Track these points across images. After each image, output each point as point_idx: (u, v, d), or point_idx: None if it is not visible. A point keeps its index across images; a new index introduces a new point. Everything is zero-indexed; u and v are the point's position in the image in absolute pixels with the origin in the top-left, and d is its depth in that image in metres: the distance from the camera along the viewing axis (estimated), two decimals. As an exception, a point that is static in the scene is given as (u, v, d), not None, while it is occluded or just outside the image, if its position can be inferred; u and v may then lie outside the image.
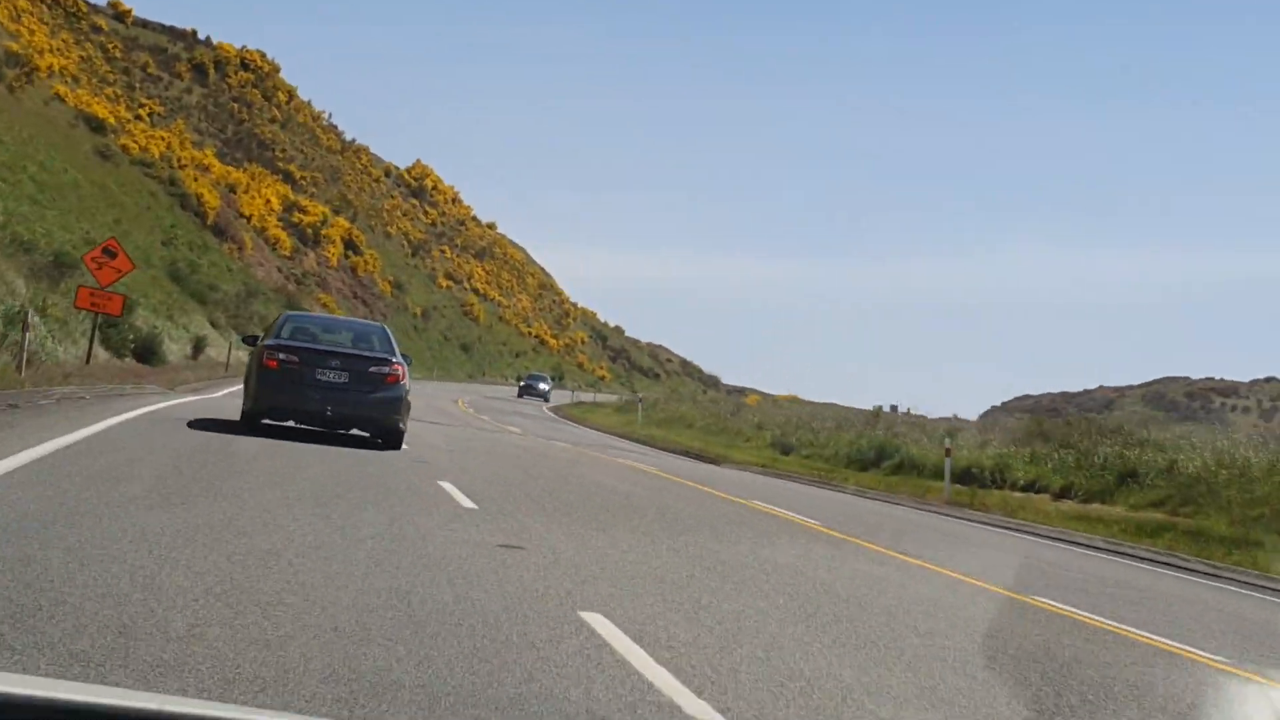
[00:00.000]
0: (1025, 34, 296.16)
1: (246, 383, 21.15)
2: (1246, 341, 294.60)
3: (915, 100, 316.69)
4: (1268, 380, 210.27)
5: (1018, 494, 27.32)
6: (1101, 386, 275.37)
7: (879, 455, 34.85)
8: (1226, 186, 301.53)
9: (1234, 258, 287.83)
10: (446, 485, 15.07)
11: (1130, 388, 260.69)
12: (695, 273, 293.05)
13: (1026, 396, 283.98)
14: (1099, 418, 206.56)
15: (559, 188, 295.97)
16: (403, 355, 21.17)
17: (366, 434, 20.80)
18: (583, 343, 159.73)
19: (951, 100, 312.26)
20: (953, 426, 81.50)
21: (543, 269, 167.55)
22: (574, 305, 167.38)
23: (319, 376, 19.89)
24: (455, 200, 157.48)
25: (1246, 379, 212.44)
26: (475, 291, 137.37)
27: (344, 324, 24.27)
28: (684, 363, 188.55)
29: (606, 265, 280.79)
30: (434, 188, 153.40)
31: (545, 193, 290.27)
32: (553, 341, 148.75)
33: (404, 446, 19.99)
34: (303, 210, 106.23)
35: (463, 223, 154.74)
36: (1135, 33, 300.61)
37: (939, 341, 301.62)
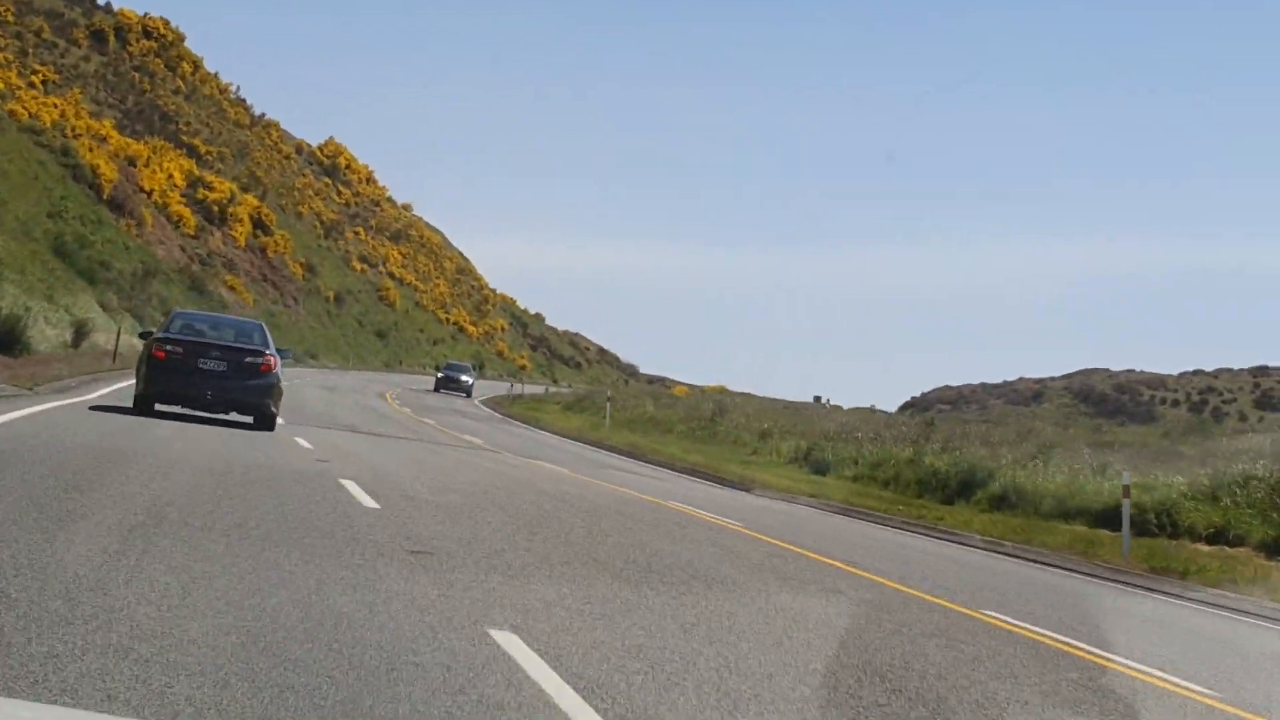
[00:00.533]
0: (968, 19, 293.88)
1: (138, 371, 23.96)
2: (1166, 334, 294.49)
3: (847, 88, 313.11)
4: (1195, 373, 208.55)
5: (1205, 547, 20.33)
6: (1023, 378, 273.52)
7: (966, 483, 27.35)
8: (1147, 179, 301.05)
9: (1154, 250, 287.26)
10: (505, 640, 7.58)
11: (1052, 379, 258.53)
12: (604, 260, 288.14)
13: (947, 387, 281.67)
14: (1027, 411, 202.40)
15: (476, 171, 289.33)
16: (278, 349, 24.66)
17: (246, 418, 23.84)
18: (502, 330, 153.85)
19: (887, 88, 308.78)
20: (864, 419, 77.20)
21: (460, 253, 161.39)
22: (493, 291, 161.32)
23: (201, 365, 22.89)
24: (369, 180, 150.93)
25: (1174, 372, 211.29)
26: (391, 276, 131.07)
27: (227, 321, 28.01)
28: (601, 351, 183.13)
29: (520, 251, 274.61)
30: (347, 166, 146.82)
31: (462, 176, 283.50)
32: (472, 329, 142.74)
33: (350, 486, 15.85)
34: (208, 186, 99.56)
35: (377, 203, 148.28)
36: (1081, 19, 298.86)
37: (859, 331, 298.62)
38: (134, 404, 23.48)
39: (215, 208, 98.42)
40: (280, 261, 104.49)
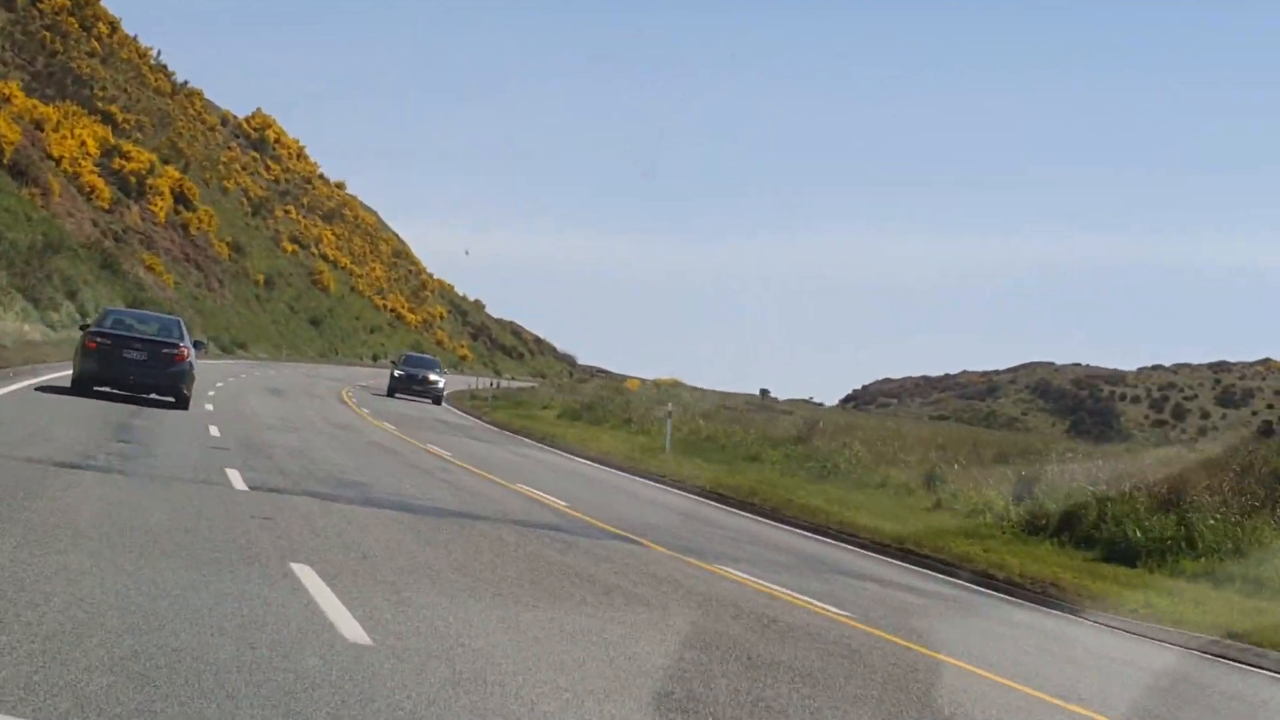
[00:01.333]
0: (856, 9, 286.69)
1: (75, 358, 29.12)
2: (1113, 329, 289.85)
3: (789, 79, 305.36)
4: (1154, 368, 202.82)
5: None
6: (966, 371, 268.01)
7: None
8: (1099, 170, 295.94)
9: (1100, 244, 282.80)
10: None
11: (997, 373, 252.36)
12: (537, 248, 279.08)
13: (887, 380, 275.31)
14: (985, 405, 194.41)
15: (408, 152, 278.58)
16: (194, 342, 30.83)
17: (165, 398, 28.91)
18: (441, 318, 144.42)
19: (833, 76, 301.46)
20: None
21: (397, 235, 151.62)
22: (430, 276, 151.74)
23: (125, 355, 28.15)
24: (300, 156, 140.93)
25: (1131, 367, 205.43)
26: (324, 258, 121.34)
27: (151, 316, 34.06)
28: (537, 340, 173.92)
29: (454, 237, 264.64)
30: (277, 141, 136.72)
31: (394, 156, 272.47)
32: (410, 316, 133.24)
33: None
34: (125, 156, 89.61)
35: (309, 181, 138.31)
36: (981, 6, 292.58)
37: (802, 323, 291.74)
38: (72, 385, 28.32)
39: (133, 179, 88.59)
40: (204, 240, 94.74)
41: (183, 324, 31.64)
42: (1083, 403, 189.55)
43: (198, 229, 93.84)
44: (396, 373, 63.52)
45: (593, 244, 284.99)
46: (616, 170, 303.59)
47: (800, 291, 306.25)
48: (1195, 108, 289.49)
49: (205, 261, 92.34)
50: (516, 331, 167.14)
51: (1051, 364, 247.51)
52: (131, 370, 28.11)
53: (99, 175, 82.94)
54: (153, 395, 28.97)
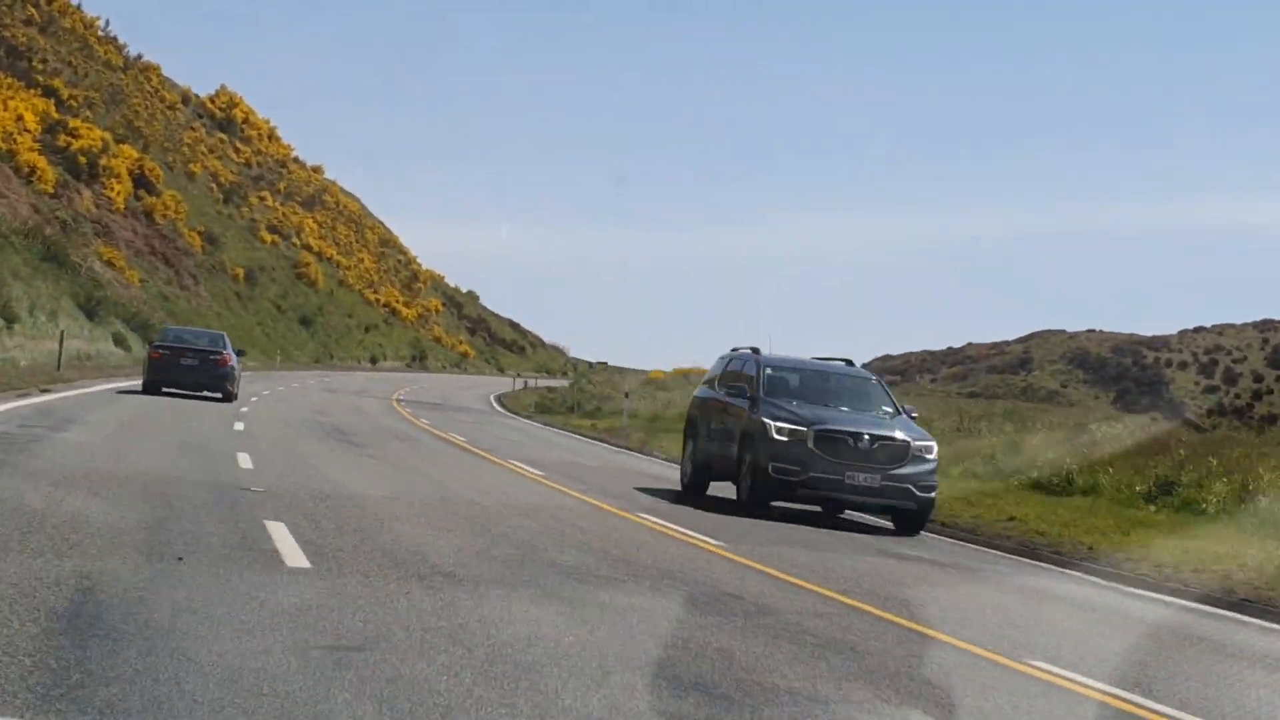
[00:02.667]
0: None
1: (144, 367, 36.71)
2: (1113, 294, 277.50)
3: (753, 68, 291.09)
4: (1196, 330, 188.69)
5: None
6: (971, 344, 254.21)
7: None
8: (1053, 141, 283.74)
9: (1084, 209, 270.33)
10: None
11: (1005, 344, 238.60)
12: (505, 241, 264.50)
13: (888, 356, 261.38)
14: (1019, 379, 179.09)
15: (388, 139, 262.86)
16: (235, 350, 37.99)
17: (214, 394, 35.16)
18: (437, 312, 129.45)
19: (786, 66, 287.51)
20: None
21: (382, 223, 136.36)
22: (421, 266, 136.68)
23: (182, 361, 35.25)
24: (272, 137, 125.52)
25: (1169, 331, 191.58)
26: (308, 248, 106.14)
27: (201, 333, 40.50)
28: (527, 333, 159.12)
29: (430, 228, 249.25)
30: (245, 121, 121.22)
31: (373, 142, 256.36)
32: (405, 310, 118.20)
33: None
34: (73, 134, 74.39)
35: (284, 164, 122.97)
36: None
37: (782, 306, 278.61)
38: (143, 388, 35.21)
39: (83, 159, 73.36)
40: (172, 230, 79.55)
41: (225, 338, 38.96)
42: (1126, 371, 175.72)
43: (164, 216, 78.67)
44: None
45: (563, 237, 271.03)
46: (588, 160, 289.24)
47: (781, 275, 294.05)
48: (1197, 72, 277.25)
49: (175, 254, 77.24)
50: (515, 325, 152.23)
51: (1063, 331, 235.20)
52: (187, 374, 34.97)
53: (41, 154, 67.84)
54: (204, 393, 34.98)
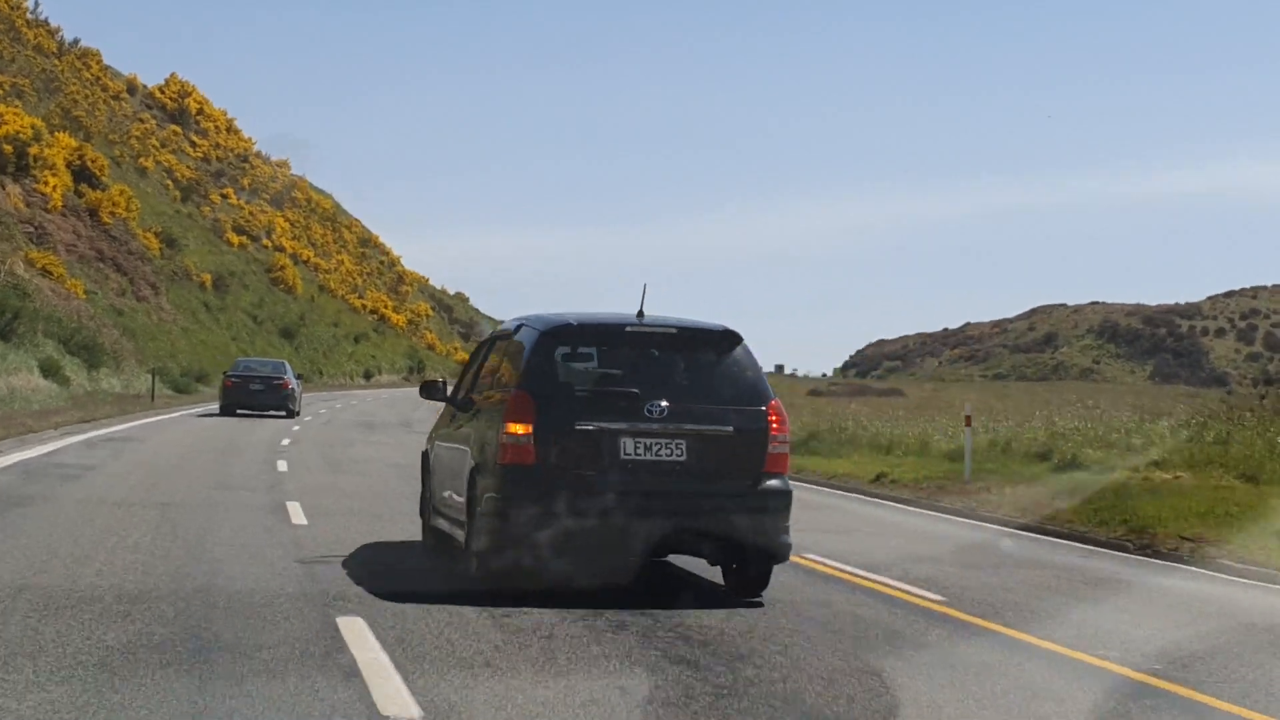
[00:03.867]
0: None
1: (220, 392, 42.74)
2: (1121, 262, 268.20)
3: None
4: (1228, 295, 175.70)
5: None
6: (969, 324, 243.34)
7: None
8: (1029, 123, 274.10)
9: (1068, 184, 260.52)
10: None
11: (1008, 321, 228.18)
12: (476, 241, 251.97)
13: (883, 342, 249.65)
14: (1047, 358, 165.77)
15: (351, 131, 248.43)
16: (295, 375, 44.19)
17: (279, 412, 40.95)
18: (427, 317, 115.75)
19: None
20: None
21: (359, 221, 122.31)
22: (405, 268, 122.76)
23: (251, 387, 41.06)
24: (231, 130, 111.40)
25: (1199, 296, 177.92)
26: (282, 250, 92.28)
27: (268, 362, 45.92)
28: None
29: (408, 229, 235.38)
30: (200, 112, 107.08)
31: (338, 136, 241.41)
32: (395, 317, 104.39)
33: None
34: (-4, 119, 60.69)
35: (245, 159, 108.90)
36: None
37: (764, 295, 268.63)
38: (220, 410, 41.06)
39: (8, 148, 59.48)
40: (124, 231, 65.60)
41: (287, 365, 45.60)
42: (1161, 343, 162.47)
43: (111, 214, 64.72)
44: None
45: (533, 236, 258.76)
46: (557, 160, 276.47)
47: (761, 265, 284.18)
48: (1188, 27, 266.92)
49: (128, 260, 63.35)
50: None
51: (1063, 305, 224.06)
52: (255, 397, 40.98)
53: (-49, 141, 54.14)
54: (270, 412, 40.81)
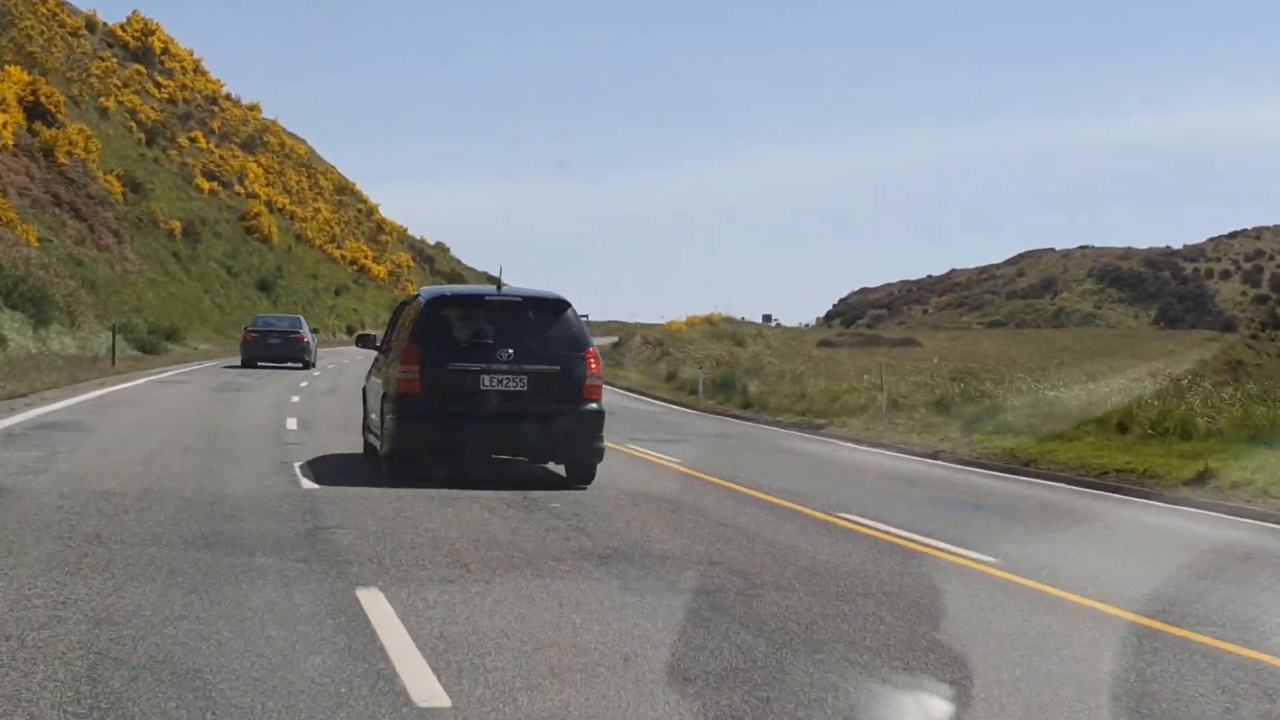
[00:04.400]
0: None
1: (241, 345, 43.85)
2: (1110, 205, 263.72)
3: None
4: (1232, 236, 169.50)
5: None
6: (955, 270, 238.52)
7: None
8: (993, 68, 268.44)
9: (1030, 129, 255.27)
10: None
11: (995, 266, 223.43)
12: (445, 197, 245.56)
13: (866, 290, 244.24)
14: (1047, 304, 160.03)
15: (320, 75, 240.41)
16: (311, 329, 46.00)
17: (296, 364, 42.86)
18: (408, 269, 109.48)
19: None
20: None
21: (335, 168, 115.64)
22: (383, 216, 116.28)
23: (269, 341, 42.84)
24: (199, 71, 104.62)
25: (1196, 239, 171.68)
26: (255, 197, 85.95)
27: (284, 318, 48.15)
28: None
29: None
30: (165, 51, 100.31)
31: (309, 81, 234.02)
32: (376, 268, 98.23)
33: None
34: (-64, 49, 54.31)
35: (215, 102, 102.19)
36: None
37: (742, 245, 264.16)
38: (241, 363, 42.44)
39: (-49, 80, 53.27)
40: (83, 173, 59.30)
41: (302, 320, 47.53)
42: (1165, 286, 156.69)
43: (69, 155, 58.44)
44: None
45: (509, 191, 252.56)
46: (531, 115, 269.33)
47: (738, 214, 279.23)
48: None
49: (87, 205, 57.11)
50: (497, 280, 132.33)
51: (1051, 249, 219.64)
52: (274, 349, 42.83)
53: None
54: (288, 364, 42.65)
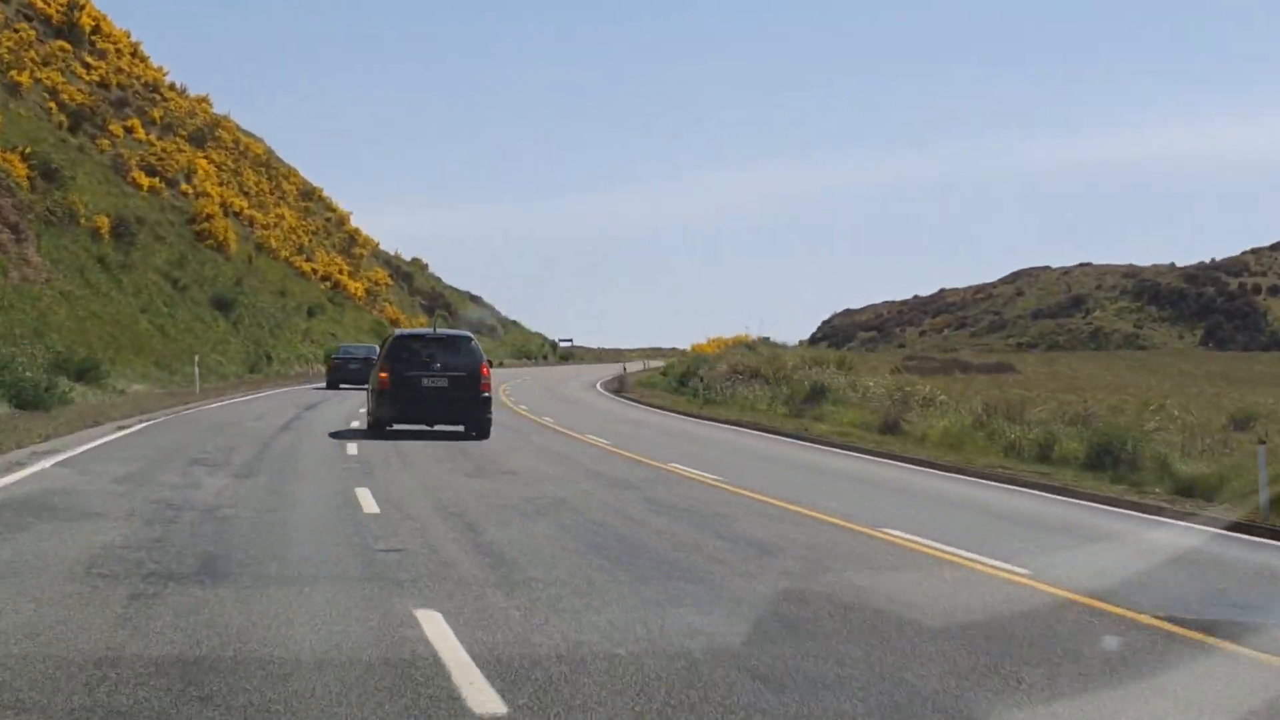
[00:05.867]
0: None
1: (326, 370, 51.04)
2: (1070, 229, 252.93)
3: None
4: (1275, 248, 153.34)
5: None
6: (945, 289, 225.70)
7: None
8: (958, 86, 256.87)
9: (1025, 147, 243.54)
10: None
11: (991, 285, 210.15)
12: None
13: (849, 311, 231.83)
14: (1081, 323, 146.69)
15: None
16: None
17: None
18: (386, 286, 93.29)
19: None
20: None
21: (298, 170, 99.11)
22: (357, 229, 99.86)
23: (349, 367, 47.59)
24: (136, 55, 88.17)
25: (1228, 251, 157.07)
26: (207, 196, 69.68)
27: (362, 347, 52.17)
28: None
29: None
30: (95, 30, 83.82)
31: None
32: (352, 284, 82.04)
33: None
34: None
35: (155, 89, 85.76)
36: None
37: (711, 267, 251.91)
38: (326, 385, 49.82)
39: None
40: (-28, 149, 42.89)
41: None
42: (1211, 304, 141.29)
43: (-49, 122, 42.11)
44: None
45: (487, 210, 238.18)
46: (478, 139, 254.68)
47: (705, 236, 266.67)
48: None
49: (-24, 191, 40.72)
50: (478, 300, 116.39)
51: (1045, 267, 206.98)
52: (353, 374, 47.53)
53: None
54: (365, 387, 39.09)
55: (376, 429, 26.25)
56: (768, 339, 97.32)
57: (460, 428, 26.49)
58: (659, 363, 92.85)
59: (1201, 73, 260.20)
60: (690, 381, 50.07)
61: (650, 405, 43.27)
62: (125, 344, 42.15)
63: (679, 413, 38.98)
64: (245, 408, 32.88)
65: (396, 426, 26.17)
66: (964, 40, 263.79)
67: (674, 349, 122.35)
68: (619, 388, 53.98)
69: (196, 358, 37.84)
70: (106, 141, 67.23)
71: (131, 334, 42.24)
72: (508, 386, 54.36)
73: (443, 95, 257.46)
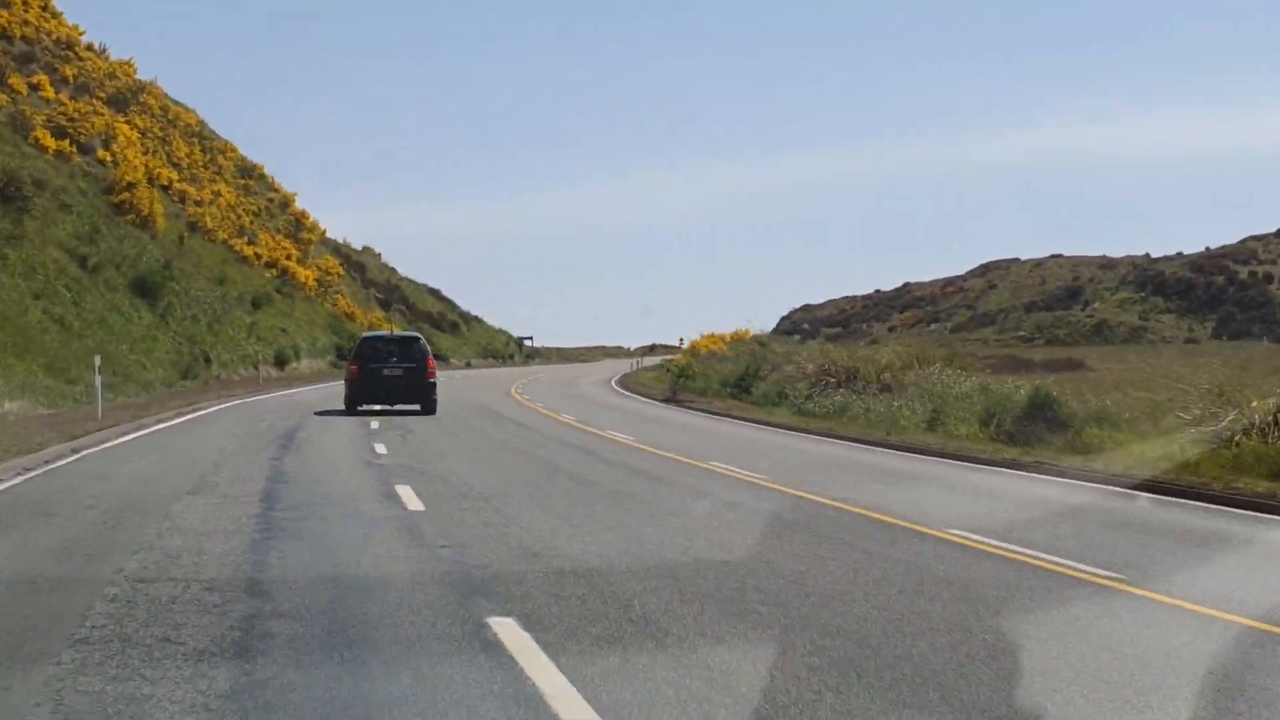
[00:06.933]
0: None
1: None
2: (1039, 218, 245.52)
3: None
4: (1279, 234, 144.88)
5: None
6: (910, 284, 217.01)
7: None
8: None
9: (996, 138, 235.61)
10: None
11: (960, 278, 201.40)
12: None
13: (808, 307, 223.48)
14: (1082, 315, 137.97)
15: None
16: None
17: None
18: (339, 276, 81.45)
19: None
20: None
21: (235, 145, 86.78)
22: (304, 212, 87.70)
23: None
24: (47, 10, 75.92)
25: (1233, 237, 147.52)
26: (127, 163, 57.73)
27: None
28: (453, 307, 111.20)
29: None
30: (-6, -24, 71.53)
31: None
32: (302, 272, 70.20)
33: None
34: None
35: (70, 48, 73.60)
36: None
37: (669, 264, 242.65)
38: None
39: None
40: None
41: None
42: (1221, 294, 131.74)
43: None
44: None
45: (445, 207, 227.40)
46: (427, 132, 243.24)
47: (664, 232, 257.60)
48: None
49: None
50: (438, 293, 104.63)
51: (1015, 259, 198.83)
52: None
53: None
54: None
55: (348, 406, 34.31)
56: (764, 335, 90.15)
57: (417, 407, 34.17)
58: (654, 360, 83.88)
59: (1159, 62, 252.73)
60: (754, 385, 39.13)
61: (740, 419, 32.71)
62: (17, 340, 30.68)
63: (798, 430, 28.13)
64: (174, 446, 21.14)
65: (363, 406, 34.05)
66: (927, 34, 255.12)
67: (643, 347, 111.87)
68: (669, 395, 43.19)
69: (98, 360, 26.10)
70: (4, 96, 55.31)
71: (19, 326, 30.68)
72: (527, 389, 47.17)
73: (439, 93, 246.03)
